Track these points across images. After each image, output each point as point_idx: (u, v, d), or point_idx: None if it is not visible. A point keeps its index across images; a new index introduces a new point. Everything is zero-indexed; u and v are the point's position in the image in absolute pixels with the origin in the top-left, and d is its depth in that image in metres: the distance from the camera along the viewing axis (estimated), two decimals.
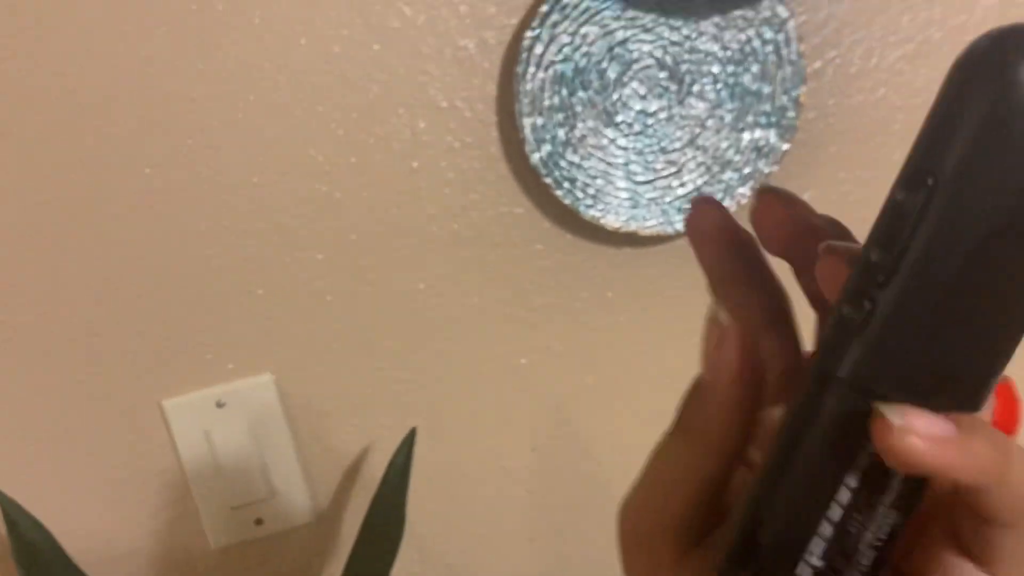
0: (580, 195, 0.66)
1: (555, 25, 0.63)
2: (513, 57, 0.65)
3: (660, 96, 0.66)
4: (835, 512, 0.19)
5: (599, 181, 0.66)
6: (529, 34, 0.63)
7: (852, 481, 0.19)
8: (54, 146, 0.62)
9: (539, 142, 0.65)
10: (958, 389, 0.18)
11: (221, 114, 0.63)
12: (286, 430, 0.69)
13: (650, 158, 0.67)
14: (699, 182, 0.67)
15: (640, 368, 0.72)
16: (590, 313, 0.70)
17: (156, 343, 0.67)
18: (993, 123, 0.16)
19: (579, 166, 0.66)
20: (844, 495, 0.19)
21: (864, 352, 0.18)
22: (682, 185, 0.67)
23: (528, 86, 0.64)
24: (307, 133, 0.64)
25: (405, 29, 0.64)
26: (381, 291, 0.68)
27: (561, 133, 0.65)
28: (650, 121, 0.66)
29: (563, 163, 0.65)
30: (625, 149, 0.66)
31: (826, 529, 0.19)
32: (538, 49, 0.63)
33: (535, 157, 0.65)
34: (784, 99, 0.66)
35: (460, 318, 0.70)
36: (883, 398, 0.18)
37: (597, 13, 0.64)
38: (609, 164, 0.66)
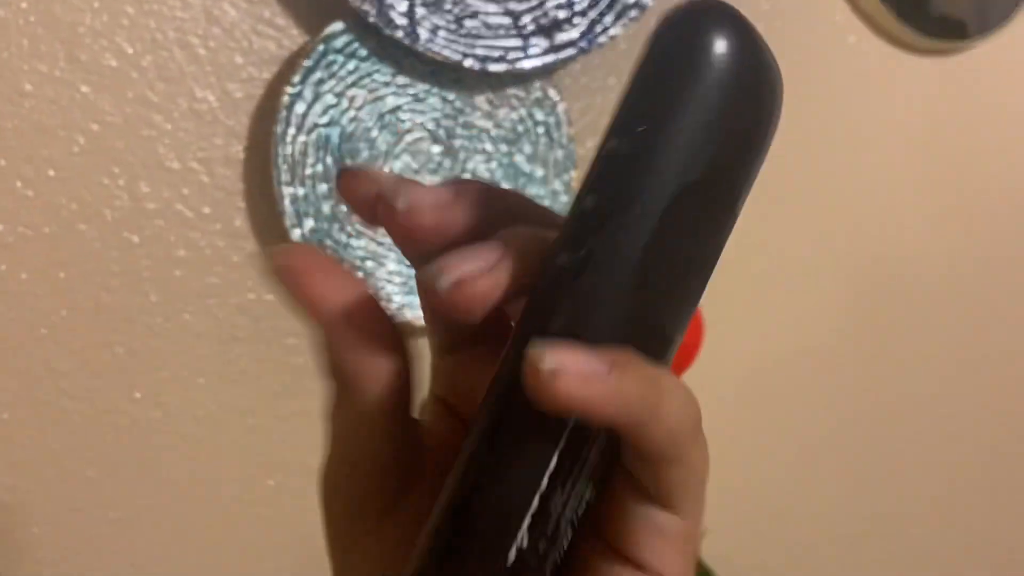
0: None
1: (319, 83, 0.54)
2: (266, 115, 0.54)
3: (433, 172, 0.59)
4: (543, 487, 0.18)
5: (369, 263, 0.57)
6: (290, 90, 0.53)
7: (556, 451, 0.18)
8: None
9: (301, 216, 0.54)
10: (653, 337, 0.18)
11: None
12: None
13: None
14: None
15: None
16: None
17: None
18: (691, 87, 0.18)
19: (347, 245, 0.56)
20: (550, 466, 0.18)
21: (579, 300, 0.18)
22: None
23: (288, 150, 0.54)
24: None
25: (125, 70, 0.51)
26: (83, 407, 0.51)
27: (326, 207, 0.55)
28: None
29: (329, 241, 0.55)
30: None
31: (534, 507, 0.18)
32: (299, 108, 0.54)
33: (296, 233, 0.54)
34: (557, 183, 0.63)
35: (191, 436, 0.55)
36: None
37: (367, 75, 0.56)
38: (379, 244, 0.58)
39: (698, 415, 0.19)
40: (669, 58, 0.18)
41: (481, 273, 0.18)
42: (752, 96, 0.18)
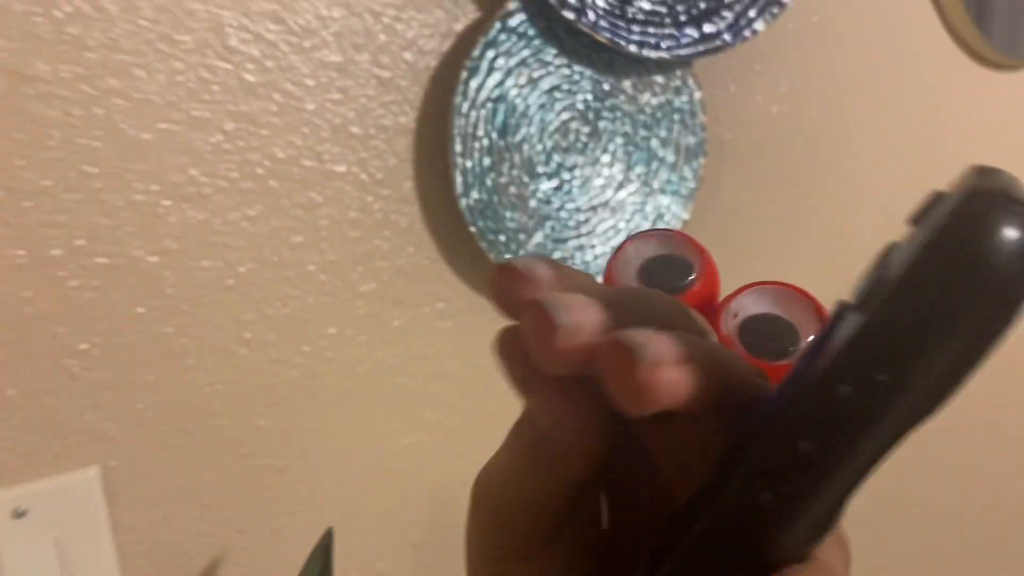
0: (502, 249, 0.59)
1: (493, 59, 0.56)
2: (438, 86, 0.56)
3: (580, 152, 0.62)
4: None
5: (521, 236, 0.60)
6: (469, 64, 0.55)
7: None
8: None
9: (468, 187, 0.57)
10: (820, 537, 0.17)
11: (87, 106, 0.45)
12: (110, 547, 0.50)
13: (563, 215, 0.62)
14: (606, 248, 0.64)
15: None
16: (491, 384, 0.62)
17: None
18: (968, 324, 0.14)
19: (503, 216, 0.59)
20: None
21: (768, 530, 0.17)
22: (592, 247, 0.63)
23: (462, 122, 0.56)
24: (174, 154, 0.49)
25: (320, 31, 0.52)
26: (258, 357, 0.53)
27: (488, 180, 0.58)
28: (567, 176, 0.62)
29: (489, 212, 0.58)
30: (546, 203, 0.61)
31: None
32: (474, 82, 0.56)
33: (462, 203, 0.56)
34: (686, 170, 0.66)
35: (348, 390, 0.57)
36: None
37: (533, 55, 0.58)
38: (529, 217, 0.60)
39: None
40: (941, 283, 0.14)
41: (684, 363, 0.16)
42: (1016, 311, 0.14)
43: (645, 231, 0.23)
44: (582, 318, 0.17)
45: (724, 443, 0.17)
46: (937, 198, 0.15)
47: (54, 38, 0.45)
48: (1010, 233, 0.13)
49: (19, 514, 0.47)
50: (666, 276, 0.22)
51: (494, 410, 0.62)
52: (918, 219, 0.15)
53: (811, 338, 0.21)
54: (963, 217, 0.13)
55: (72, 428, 0.48)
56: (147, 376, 0.50)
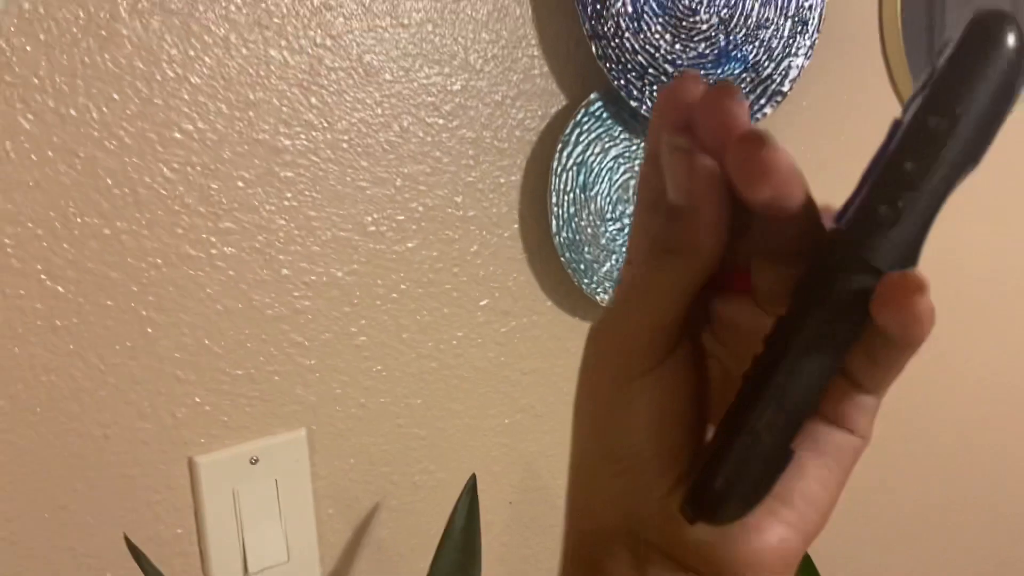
0: (581, 275, 0.79)
1: (579, 135, 0.77)
2: (537, 155, 0.77)
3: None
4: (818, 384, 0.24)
5: (595, 265, 0.80)
6: (562, 137, 0.76)
7: (835, 354, 0.24)
8: None
9: (560, 228, 0.77)
10: (917, 256, 0.24)
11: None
12: (309, 489, 0.68)
13: (625, 250, 0.82)
14: None
15: None
16: (569, 380, 0.82)
17: (194, 391, 0.63)
18: (1001, 80, 0.22)
19: (582, 250, 0.79)
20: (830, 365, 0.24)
21: (893, 243, 0.23)
22: None
23: (556, 181, 0.76)
24: (363, 203, 0.69)
25: (459, 108, 0.72)
26: (416, 348, 0.72)
27: (574, 223, 0.78)
28: (627, 221, 0.82)
29: (573, 247, 0.78)
30: (613, 240, 0.81)
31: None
32: (565, 152, 0.76)
33: (556, 239, 0.76)
34: None
35: (469, 379, 0.76)
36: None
37: (605, 131, 0.79)
38: (600, 251, 0.80)
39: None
40: (978, 52, 0.22)
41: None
42: (1018, 86, 0.22)
43: None
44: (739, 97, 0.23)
45: (820, 236, 0.24)
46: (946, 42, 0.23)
47: (300, 127, 0.64)
48: (1011, 36, 0.22)
49: (254, 461, 0.65)
50: None
51: (570, 400, 0.82)
52: (941, 49, 0.23)
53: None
54: (978, 25, 0.22)
55: (289, 398, 0.67)
56: (338, 362, 0.69)
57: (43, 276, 0.56)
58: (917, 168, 0.23)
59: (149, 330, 0.60)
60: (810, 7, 0.88)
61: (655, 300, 0.24)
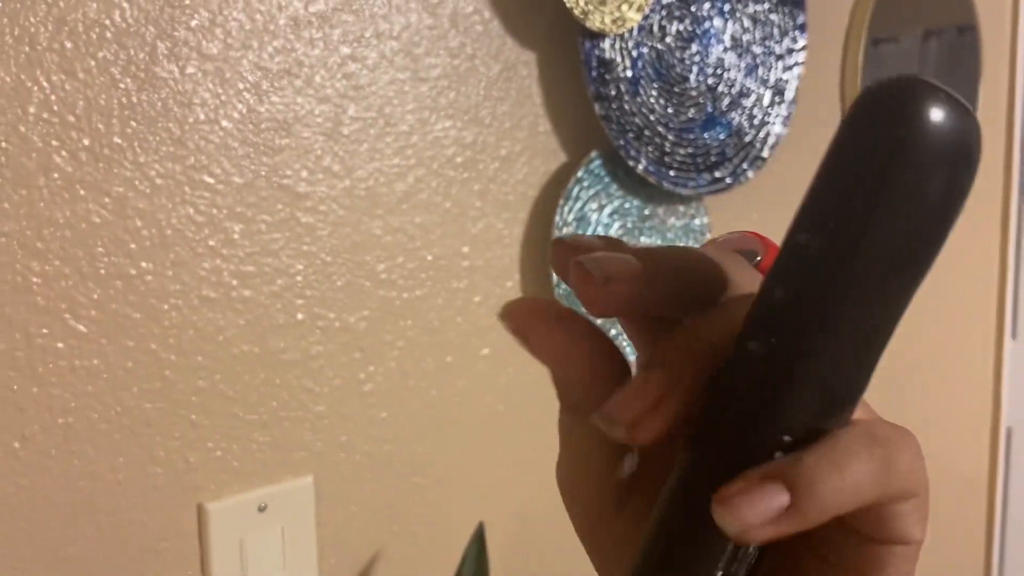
0: None
1: (579, 191, 0.80)
2: (538, 209, 0.79)
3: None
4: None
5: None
6: (564, 193, 0.78)
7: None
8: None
9: (560, 280, 0.79)
10: (839, 405, 0.19)
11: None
12: (313, 538, 0.67)
13: None
14: None
15: None
16: None
17: (205, 435, 0.62)
18: (895, 174, 0.16)
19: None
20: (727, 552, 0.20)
21: (768, 385, 0.18)
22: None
23: (556, 233, 0.78)
24: (378, 250, 0.70)
25: (469, 183, 0.74)
26: (420, 396, 0.73)
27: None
28: None
29: (573, 297, 0.80)
30: None
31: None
32: (566, 207, 0.79)
33: (556, 291, 0.78)
34: None
35: (469, 428, 0.77)
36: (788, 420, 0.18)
37: (602, 189, 0.82)
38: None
39: (916, 445, 0.19)
40: (866, 143, 0.16)
41: (652, 409, 0.19)
42: (962, 170, 0.16)
43: (723, 235, 0.28)
44: (612, 267, 0.20)
45: (724, 338, 0.19)
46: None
47: (322, 174, 0.65)
48: (920, 109, 0.16)
49: (262, 508, 0.64)
50: None
51: None
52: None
53: None
54: (869, 99, 0.16)
55: (298, 444, 0.66)
56: (346, 409, 0.69)
57: (67, 315, 0.55)
58: (786, 298, 0.18)
59: (167, 372, 0.59)
60: (787, 79, 0.93)
61: (585, 456, 0.24)
